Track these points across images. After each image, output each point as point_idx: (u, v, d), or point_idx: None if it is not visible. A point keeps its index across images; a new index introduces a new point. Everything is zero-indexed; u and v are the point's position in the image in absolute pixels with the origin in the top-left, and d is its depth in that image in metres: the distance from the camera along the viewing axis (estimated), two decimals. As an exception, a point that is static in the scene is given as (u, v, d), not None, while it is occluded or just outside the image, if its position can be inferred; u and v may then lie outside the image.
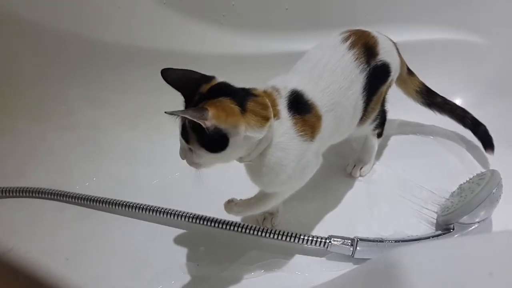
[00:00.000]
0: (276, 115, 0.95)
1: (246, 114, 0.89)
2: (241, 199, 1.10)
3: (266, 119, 0.92)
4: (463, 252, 0.65)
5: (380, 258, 0.78)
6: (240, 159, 0.99)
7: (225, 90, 0.92)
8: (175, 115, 0.82)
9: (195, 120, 0.83)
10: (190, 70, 0.96)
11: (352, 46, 1.08)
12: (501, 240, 0.70)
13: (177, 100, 1.60)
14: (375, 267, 0.76)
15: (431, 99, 1.40)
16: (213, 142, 0.88)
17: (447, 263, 0.62)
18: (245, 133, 0.89)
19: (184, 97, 0.94)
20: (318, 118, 1.01)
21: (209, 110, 0.84)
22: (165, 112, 0.80)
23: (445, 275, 0.60)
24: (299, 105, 0.99)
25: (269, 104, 0.94)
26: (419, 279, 0.60)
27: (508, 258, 0.63)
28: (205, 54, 1.63)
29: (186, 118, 0.86)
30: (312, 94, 1.01)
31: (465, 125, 1.43)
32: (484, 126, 1.41)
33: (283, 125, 0.96)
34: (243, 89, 0.95)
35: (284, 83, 1.02)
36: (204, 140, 0.88)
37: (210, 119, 0.84)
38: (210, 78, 0.95)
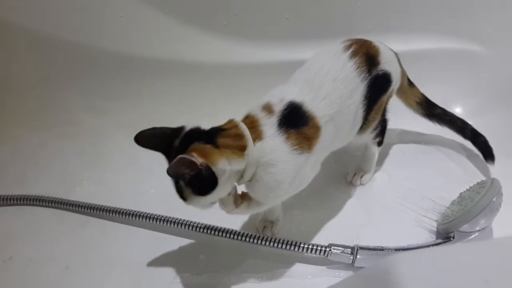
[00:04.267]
0: (258, 137, 0.97)
1: (220, 150, 0.92)
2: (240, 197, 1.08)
3: (242, 148, 0.94)
4: (459, 259, 0.65)
5: (376, 265, 0.78)
6: (238, 182, 1.01)
7: (195, 136, 0.94)
8: (170, 173, 0.87)
9: (185, 168, 0.87)
10: (159, 128, 0.98)
11: (353, 55, 1.08)
12: (497, 247, 0.70)
13: (177, 110, 1.62)
14: (371, 274, 0.75)
15: (431, 111, 1.41)
16: (205, 182, 0.92)
17: (443, 271, 0.62)
18: (228, 166, 0.92)
19: (164, 154, 0.97)
20: (317, 129, 1.01)
21: (193, 153, 0.87)
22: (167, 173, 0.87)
23: (440, 283, 0.60)
24: (296, 118, 0.99)
25: (244, 132, 0.96)
26: (414, 286, 0.60)
27: (505, 265, 0.63)
28: (206, 63, 1.64)
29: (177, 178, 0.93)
30: (312, 104, 1.01)
31: (465, 136, 1.44)
32: (484, 137, 1.41)
33: (269, 143, 0.97)
34: (212, 129, 0.97)
35: (282, 95, 1.03)
36: (197, 187, 0.93)
37: (198, 160, 0.86)
38: (179, 130, 0.96)
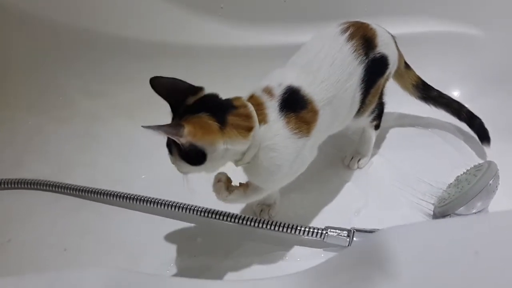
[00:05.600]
0: (263, 119, 0.96)
1: (226, 129, 0.90)
2: (235, 186, 1.08)
3: (249, 129, 0.93)
4: (449, 232, 0.65)
5: (366, 240, 0.79)
6: (236, 163, 1.00)
7: (208, 104, 0.92)
8: (151, 129, 0.81)
9: (170, 136, 0.85)
10: (178, 80, 0.94)
11: (350, 37, 1.08)
12: (488, 220, 0.70)
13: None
14: (362, 249, 0.76)
15: (427, 93, 1.40)
16: (191, 156, 0.90)
17: (432, 243, 0.62)
18: (224, 146, 0.90)
19: (171, 107, 0.94)
20: (315, 112, 1.01)
21: (185, 127, 0.85)
22: (142, 126, 0.81)
23: (430, 255, 0.61)
24: (294, 102, 0.99)
25: (252, 113, 0.95)
26: (404, 258, 0.61)
27: (495, 237, 0.63)
28: (203, 46, 1.63)
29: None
30: (310, 88, 1.01)
31: (460, 118, 1.44)
32: (480, 120, 1.41)
33: (272, 127, 0.96)
34: (225, 102, 0.95)
35: (280, 79, 1.02)
36: (184, 154, 0.90)
37: (186, 136, 0.85)
38: (198, 89, 0.94)
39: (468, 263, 0.59)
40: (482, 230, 0.65)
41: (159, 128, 0.82)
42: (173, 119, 0.93)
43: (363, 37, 1.10)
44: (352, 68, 1.06)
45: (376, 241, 0.66)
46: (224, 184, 1.05)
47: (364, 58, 1.09)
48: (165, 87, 0.93)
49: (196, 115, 0.89)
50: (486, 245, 0.61)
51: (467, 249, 0.60)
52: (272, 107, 0.98)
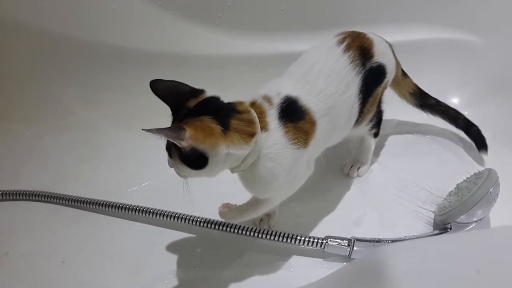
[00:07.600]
0: (264, 127, 0.95)
1: (229, 133, 0.89)
2: (235, 205, 1.09)
3: (251, 135, 0.92)
4: (450, 249, 0.65)
5: (368, 256, 0.78)
6: (232, 170, 0.99)
7: (210, 107, 0.91)
8: (152, 133, 0.80)
9: (171, 140, 0.84)
10: (179, 83, 0.94)
11: (347, 48, 1.07)
12: (489, 237, 0.70)
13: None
14: (363, 264, 0.76)
15: (424, 101, 1.41)
16: (192, 160, 0.89)
17: (433, 260, 0.62)
18: (226, 151, 0.89)
19: (172, 110, 0.93)
20: (313, 123, 1.00)
21: (186, 130, 0.84)
22: (142, 129, 0.79)
23: (431, 272, 0.60)
24: (292, 112, 0.99)
25: (255, 119, 0.94)
26: (405, 275, 0.61)
27: (496, 255, 0.63)
28: (200, 55, 1.63)
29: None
30: (307, 99, 1.01)
31: (457, 126, 1.44)
32: (477, 127, 1.41)
33: (273, 136, 0.96)
34: (229, 106, 0.94)
35: (278, 89, 1.02)
36: (184, 158, 0.89)
37: (187, 139, 0.84)
38: (199, 92, 0.94)
39: (470, 282, 0.58)
40: (484, 247, 0.64)
41: (159, 131, 0.81)
42: (173, 122, 0.93)
43: (360, 48, 1.09)
44: (349, 79, 1.06)
45: (376, 258, 0.66)
46: (222, 207, 1.08)
47: (361, 68, 1.08)
48: (166, 90, 0.92)
49: (198, 118, 0.89)
50: (487, 263, 0.61)
51: (469, 267, 0.60)
52: (272, 116, 0.98)
